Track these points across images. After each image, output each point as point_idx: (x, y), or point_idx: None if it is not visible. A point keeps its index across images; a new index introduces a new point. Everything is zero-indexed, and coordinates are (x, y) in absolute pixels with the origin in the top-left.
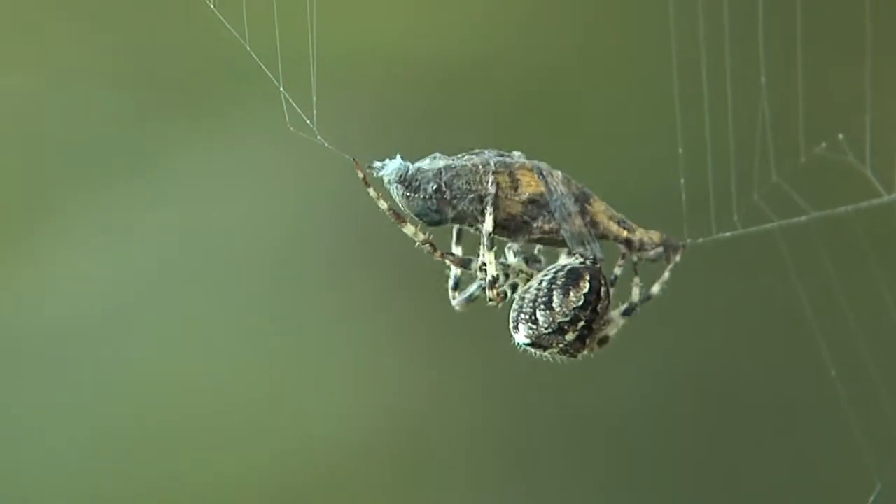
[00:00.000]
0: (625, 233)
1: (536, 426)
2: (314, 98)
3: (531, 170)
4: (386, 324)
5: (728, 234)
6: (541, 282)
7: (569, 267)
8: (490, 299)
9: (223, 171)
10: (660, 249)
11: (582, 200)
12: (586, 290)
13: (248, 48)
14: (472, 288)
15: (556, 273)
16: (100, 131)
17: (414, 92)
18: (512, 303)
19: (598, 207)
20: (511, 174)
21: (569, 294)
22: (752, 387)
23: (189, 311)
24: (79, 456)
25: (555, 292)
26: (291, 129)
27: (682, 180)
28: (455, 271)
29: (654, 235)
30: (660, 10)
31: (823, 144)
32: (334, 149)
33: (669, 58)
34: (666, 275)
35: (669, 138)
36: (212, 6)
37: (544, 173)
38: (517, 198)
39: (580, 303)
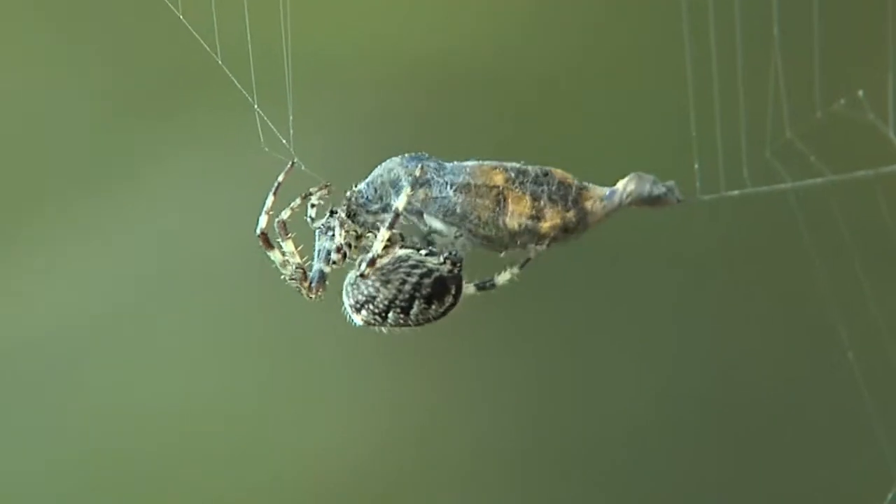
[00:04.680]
0: (599, 204)
1: (537, 444)
2: (290, 117)
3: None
4: (381, 341)
5: (737, 192)
6: (403, 281)
7: (437, 275)
8: (334, 262)
9: (209, 181)
10: (643, 190)
11: (576, 199)
12: (448, 304)
13: (219, 62)
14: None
15: (421, 277)
16: (75, 140)
17: (409, 94)
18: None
19: (593, 194)
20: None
21: (430, 306)
22: (765, 380)
23: (175, 327)
24: (61, 478)
25: (416, 301)
26: (266, 150)
27: (694, 137)
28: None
29: (630, 182)
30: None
31: (842, 101)
32: (310, 171)
33: (679, 9)
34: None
35: (679, 93)
36: (181, 16)
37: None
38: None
39: (436, 315)
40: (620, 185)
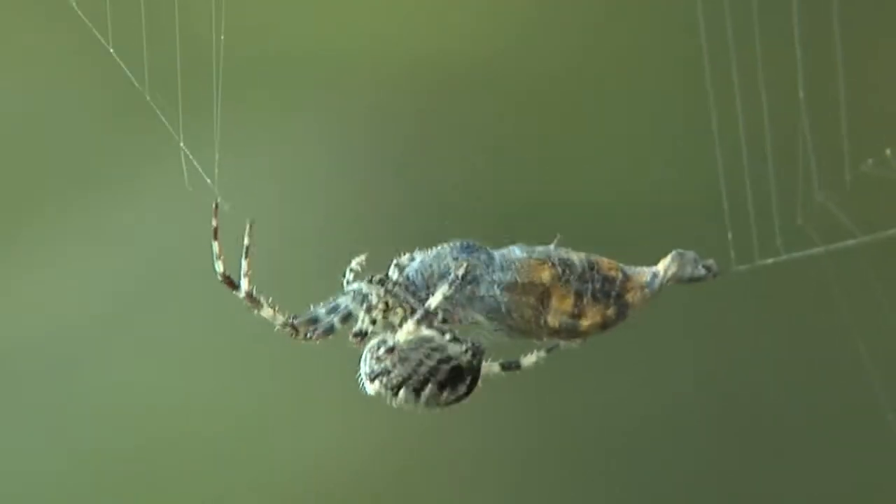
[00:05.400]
0: (640, 294)
1: (537, 445)
2: (216, 155)
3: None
4: None
5: (770, 260)
6: (420, 363)
7: (455, 363)
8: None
9: (205, 183)
10: (683, 272)
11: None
12: (461, 393)
13: (147, 98)
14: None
15: (439, 363)
16: (75, 140)
17: (409, 94)
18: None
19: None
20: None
21: (442, 392)
22: (779, 415)
23: (175, 328)
24: (60, 478)
25: (429, 385)
26: (190, 189)
27: (725, 203)
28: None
29: (672, 265)
30: (676, 12)
31: (870, 161)
32: (233, 209)
33: (700, 71)
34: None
35: (695, 158)
36: (111, 50)
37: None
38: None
39: (445, 403)
40: (662, 267)
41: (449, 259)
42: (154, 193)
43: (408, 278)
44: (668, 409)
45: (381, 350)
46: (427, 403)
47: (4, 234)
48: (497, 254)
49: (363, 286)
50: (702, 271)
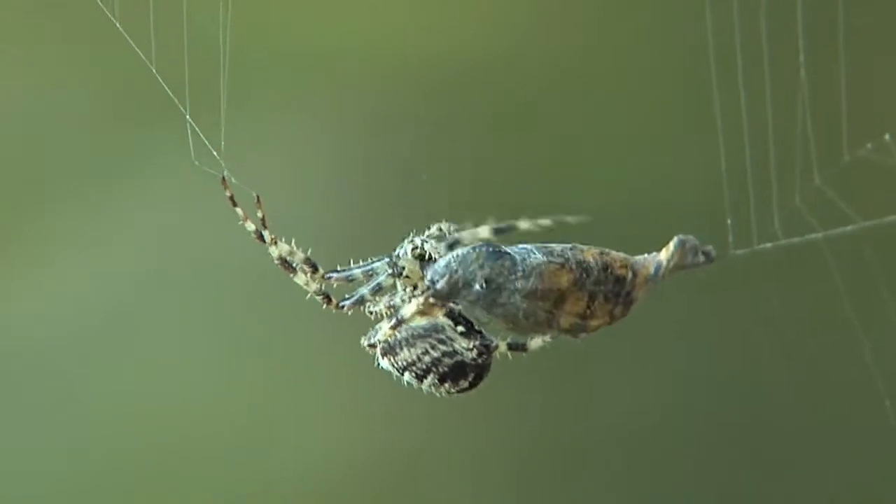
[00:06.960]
0: (645, 288)
1: (541, 452)
2: (222, 129)
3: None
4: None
5: (769, 244)
6: (425, 351)
7: (458, 359)
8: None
9: (206, 180)
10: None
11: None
12: (462, 387)
13: (153, 70)
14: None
15: (443, 355)
16: (73, 141)
17: (409, 94)
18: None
19: (640, 282)
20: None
21: (443, 383)
22: (787, 408)
23: (175, 329)
24: (60, 479)
25: (431, 374)
26: (196, 163)
27: (725, 186)
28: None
29: (675, 254)
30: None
31: (869, 146)
32: (241, 184)
33: (703, 54)
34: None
35: (696, 142)
36: (118, 25)
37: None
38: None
39: (447, 392)
40: (664, 256)
41: (475, 266)
42: (153, 195)
43: (433, 283)
44: (667, 403)
45: (378, 334)
46: (429, 390)
47: (5, 235)
48: (518, 258)
49: (404, 255)
50: (701, 258)
